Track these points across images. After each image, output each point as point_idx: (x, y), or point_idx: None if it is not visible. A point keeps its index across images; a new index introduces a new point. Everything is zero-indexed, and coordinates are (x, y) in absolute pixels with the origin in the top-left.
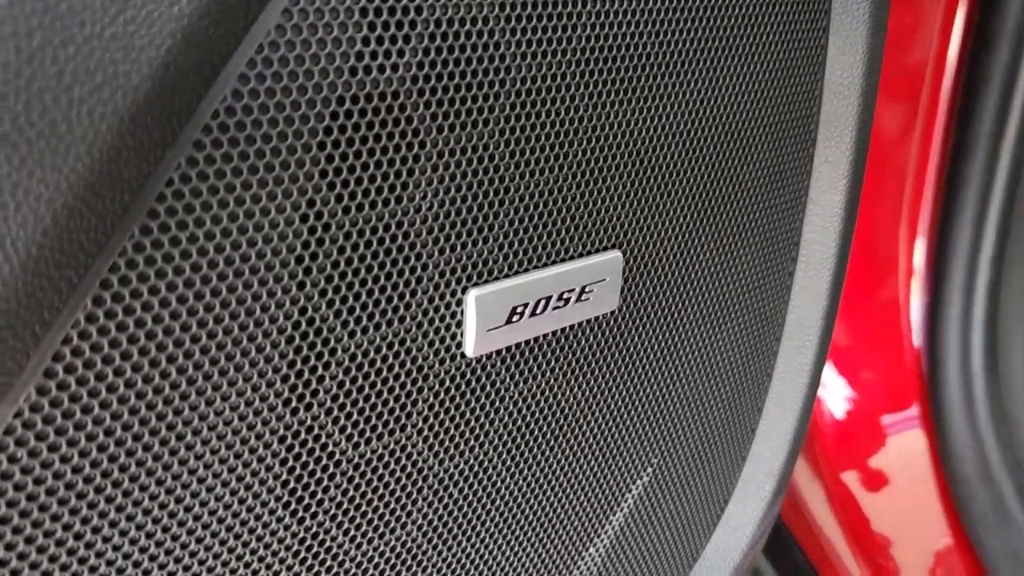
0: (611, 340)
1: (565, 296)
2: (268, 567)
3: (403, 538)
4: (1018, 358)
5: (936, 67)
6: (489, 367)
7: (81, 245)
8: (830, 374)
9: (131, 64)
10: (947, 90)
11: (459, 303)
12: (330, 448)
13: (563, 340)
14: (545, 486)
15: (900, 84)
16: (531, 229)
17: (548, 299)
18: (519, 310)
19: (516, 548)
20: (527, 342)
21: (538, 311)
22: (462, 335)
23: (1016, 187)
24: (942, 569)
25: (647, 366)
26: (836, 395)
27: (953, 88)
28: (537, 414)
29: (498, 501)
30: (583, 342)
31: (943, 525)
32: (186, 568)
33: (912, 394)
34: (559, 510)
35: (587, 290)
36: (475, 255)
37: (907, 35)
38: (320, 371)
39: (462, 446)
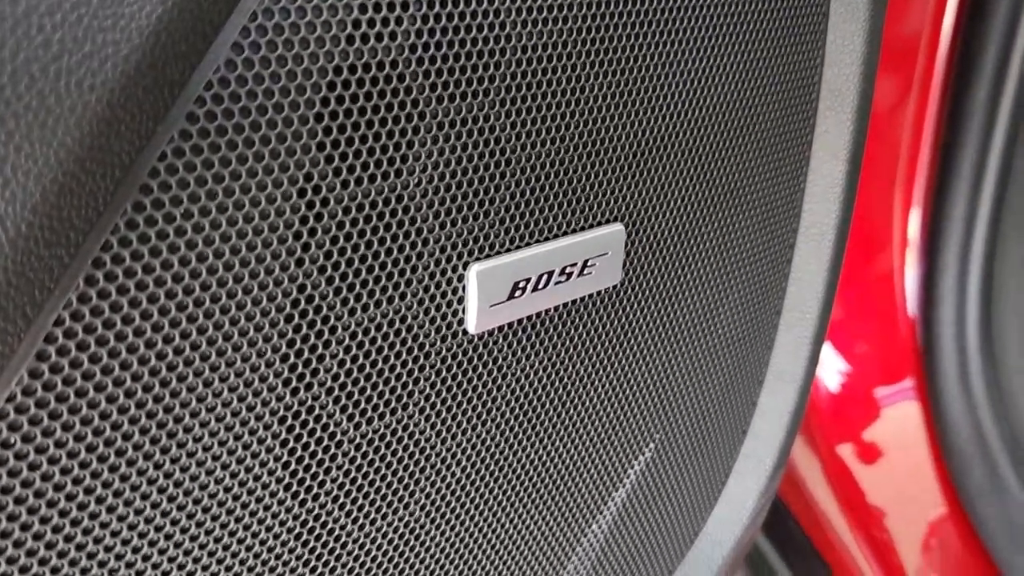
0: (614, 315)
1: (567, 270)
2: (271, 550)
3: (406, 518)
4: (1013, 328)
5: (931, 36)
6: (491, 344)
7: (72, 223)
8: (825, 347)
9: (120, 33)
10: (942, 59)
11: (460, 279)
12: (331, 428)
13: (565, 315)
14: (548, 463)
15: (895, 53)
16: (533, 202)
17: (550, 274)
18: (521, 285)
19: (520, 526)
20: (529, 318)
21: (540, 286)
22: (464, 311)
23: (1011, 156)
24: (936, 539)
25: (650, 340)
26: (831, 368)
27: (948, 57)
28: (540, 391)
29: (501, 479)
30: (586, 317)
31: (938, 496)
32: (187, 552)
33: (907, 366)
34: (562, 487)
35: (589, 264)
36: (476, 229)
37: (903, 4)
38: (320, 350)
39: (464, 424)
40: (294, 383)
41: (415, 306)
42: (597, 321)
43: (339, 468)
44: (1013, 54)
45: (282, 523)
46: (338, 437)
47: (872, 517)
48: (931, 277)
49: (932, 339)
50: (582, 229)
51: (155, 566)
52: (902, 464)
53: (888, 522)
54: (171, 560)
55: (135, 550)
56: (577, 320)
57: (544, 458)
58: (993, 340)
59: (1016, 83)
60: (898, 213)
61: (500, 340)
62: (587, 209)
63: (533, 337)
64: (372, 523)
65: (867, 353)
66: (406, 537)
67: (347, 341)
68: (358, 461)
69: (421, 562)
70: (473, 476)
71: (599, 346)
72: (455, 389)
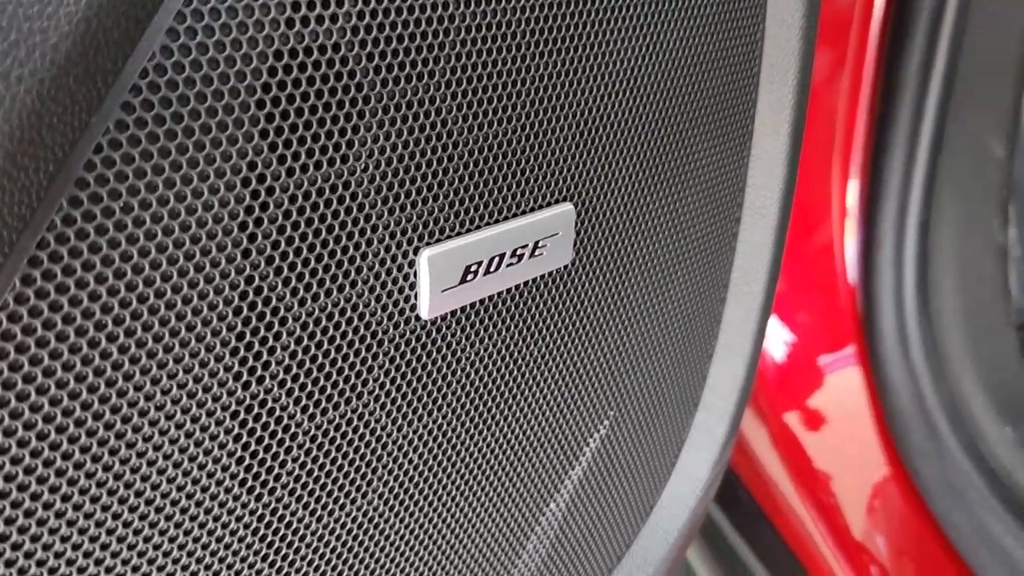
0: (566, 294)
1: (519, 252)
2: (227, 547)
3: (364, 507)
4: (949, 294)
5: (864, 8)
6: (444, 329)
7: (4, 221)
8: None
9: (47, 20)
10: (875, 32)
11: (411, 264)
12: (285, 421)
13: (518, 297)
14: (505, 445)
15: (829, 27)
16: (481, 184)
17: (502, 256)
18: (473, 269)
19: (478, 509)
20: (482, 301)
21: (492, 269)
22: (416, 297)
23: (943, 125)
24: (880, 500)
25: (602, 318)
26: (776, 339)
27: (882, 29)
28: (495, 373)
29: (458, 464)
30: (538, 298)
31: (881, 458)
32: (141, 554)
33: (849, 334)
34: (520, 468)
35: (540, 245)
36: (426, 214)
37: None
38: (270, 342)
39: (420, 410)
40: (245, 377)
41: (366, 294)
42: (550, 301)
43: (294, 461)
44: (943, 25)
45: (238, 519)
46: (292, 429)
47: (819, 482)
48: (870, 246)
49: (872, 307)
50: (532, 210)
51: (108, 569)
52: (846, 429)
53: (834, 486)
54: (125, 563)
55: (87, 554)
56: (530, 301)
57: (501, 440)
58: (930, 305)
59: (946, 55)
60: (836, 184)
61: (453, 324)
62: (536, 190)
63: (487, 320)
64: (331, 514)
65: (810, 323)
66: (365, 527)
67: (298, 332)
68: (313, 453)
69: (381, 550)
70: (431, 462)
71: (552, 326)
72: (410, 376)
